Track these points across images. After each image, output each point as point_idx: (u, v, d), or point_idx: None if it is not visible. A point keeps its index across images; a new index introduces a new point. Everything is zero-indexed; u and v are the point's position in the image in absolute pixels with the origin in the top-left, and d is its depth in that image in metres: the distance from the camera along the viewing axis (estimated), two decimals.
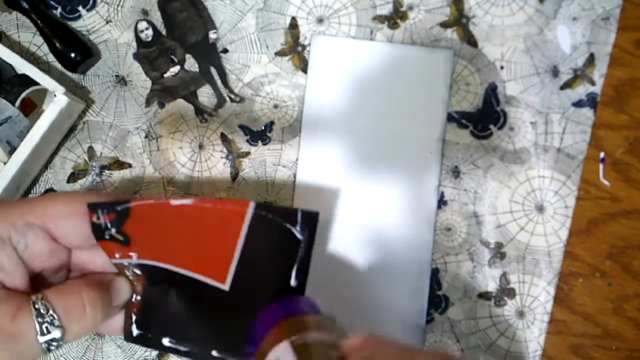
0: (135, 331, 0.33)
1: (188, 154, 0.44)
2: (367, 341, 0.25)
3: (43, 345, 0.27)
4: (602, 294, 0.42)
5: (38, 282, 0.31)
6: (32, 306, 0.27)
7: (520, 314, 0.42)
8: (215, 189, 0.44)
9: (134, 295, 0.33)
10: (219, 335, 0.33)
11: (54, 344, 0.27)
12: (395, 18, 0.43)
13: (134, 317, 0.33)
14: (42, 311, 0.27)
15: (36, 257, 0.30)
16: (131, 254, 0.32)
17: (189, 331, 0.33)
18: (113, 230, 0.31)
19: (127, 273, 0.33)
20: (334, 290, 0.42)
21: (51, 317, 0.27)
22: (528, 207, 0.42)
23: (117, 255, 0.32)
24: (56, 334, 0.27)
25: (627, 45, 0.42)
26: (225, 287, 0.32)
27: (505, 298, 0.43)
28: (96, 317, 0.29)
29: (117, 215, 0.31)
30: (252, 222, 0.31)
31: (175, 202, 0.31)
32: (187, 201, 0.31)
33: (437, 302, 0.43)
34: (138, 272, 0.33)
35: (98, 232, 0.31)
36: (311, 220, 0.32)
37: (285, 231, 0.32)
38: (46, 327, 0.27)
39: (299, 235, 0.32)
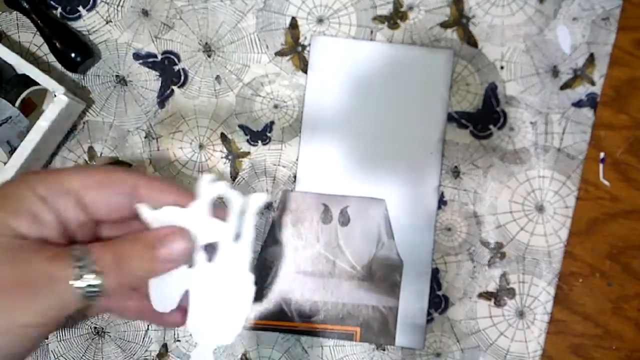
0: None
1: (188, 154, 0.44)
2: None
3: (81, 291, 0.26)
4: (602, 294, 0.42)
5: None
6: (71, 251, 0.26)
7: (520, 314, 0.42)
8: None
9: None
10: None
11: (94, 290, 0.26)
12: (395, 18, 0.43)
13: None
14: (79, 256, 0.26)
15: (69, 223, 0.29)
16: None
17: None
18: None
19: None
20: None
21: (87, 262, 0.26)
22: (528, 207, 0.42)
23: None
24: (93, 280, 0.26)
25: (627, 45, 0.42)
26: None
27: (505, 298, 0.43)
28: (137, 269, 0.28)
29: None
30: None
31: None
32: None
33: (437, 302, 0.42)
34: None
35: None
36: None
37: None
38: (82, 271, 0.26)
39: None
